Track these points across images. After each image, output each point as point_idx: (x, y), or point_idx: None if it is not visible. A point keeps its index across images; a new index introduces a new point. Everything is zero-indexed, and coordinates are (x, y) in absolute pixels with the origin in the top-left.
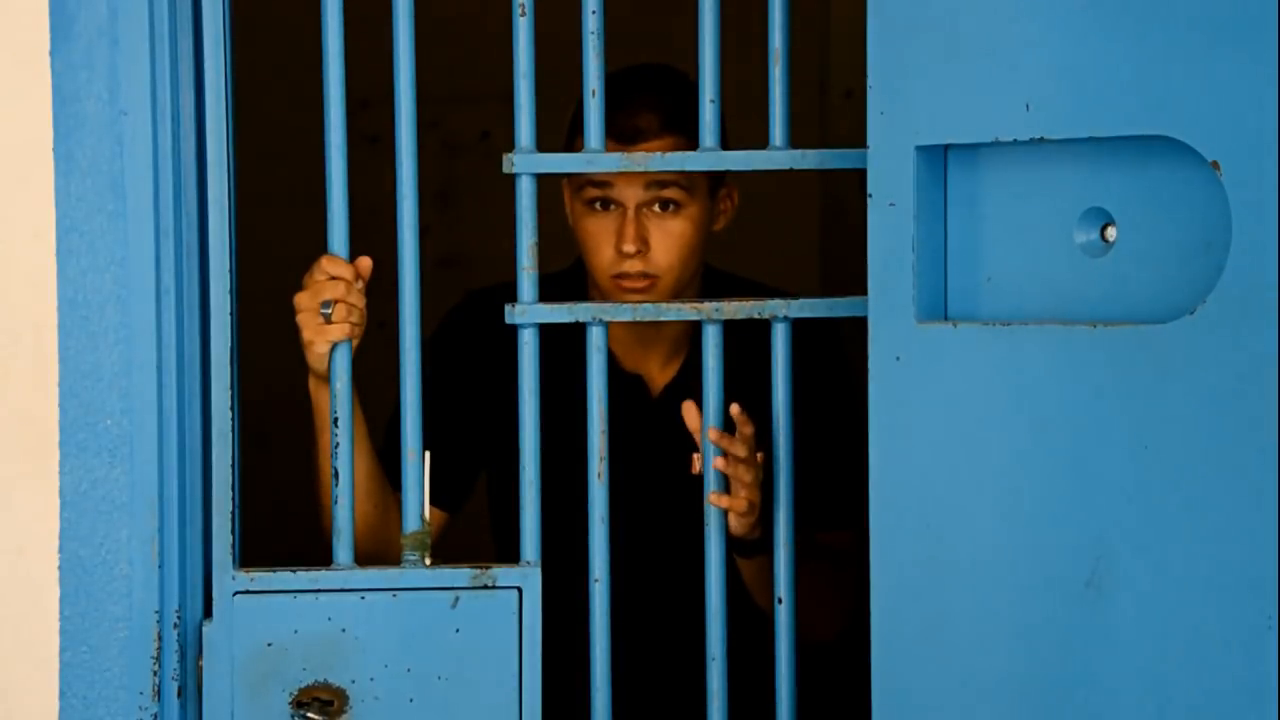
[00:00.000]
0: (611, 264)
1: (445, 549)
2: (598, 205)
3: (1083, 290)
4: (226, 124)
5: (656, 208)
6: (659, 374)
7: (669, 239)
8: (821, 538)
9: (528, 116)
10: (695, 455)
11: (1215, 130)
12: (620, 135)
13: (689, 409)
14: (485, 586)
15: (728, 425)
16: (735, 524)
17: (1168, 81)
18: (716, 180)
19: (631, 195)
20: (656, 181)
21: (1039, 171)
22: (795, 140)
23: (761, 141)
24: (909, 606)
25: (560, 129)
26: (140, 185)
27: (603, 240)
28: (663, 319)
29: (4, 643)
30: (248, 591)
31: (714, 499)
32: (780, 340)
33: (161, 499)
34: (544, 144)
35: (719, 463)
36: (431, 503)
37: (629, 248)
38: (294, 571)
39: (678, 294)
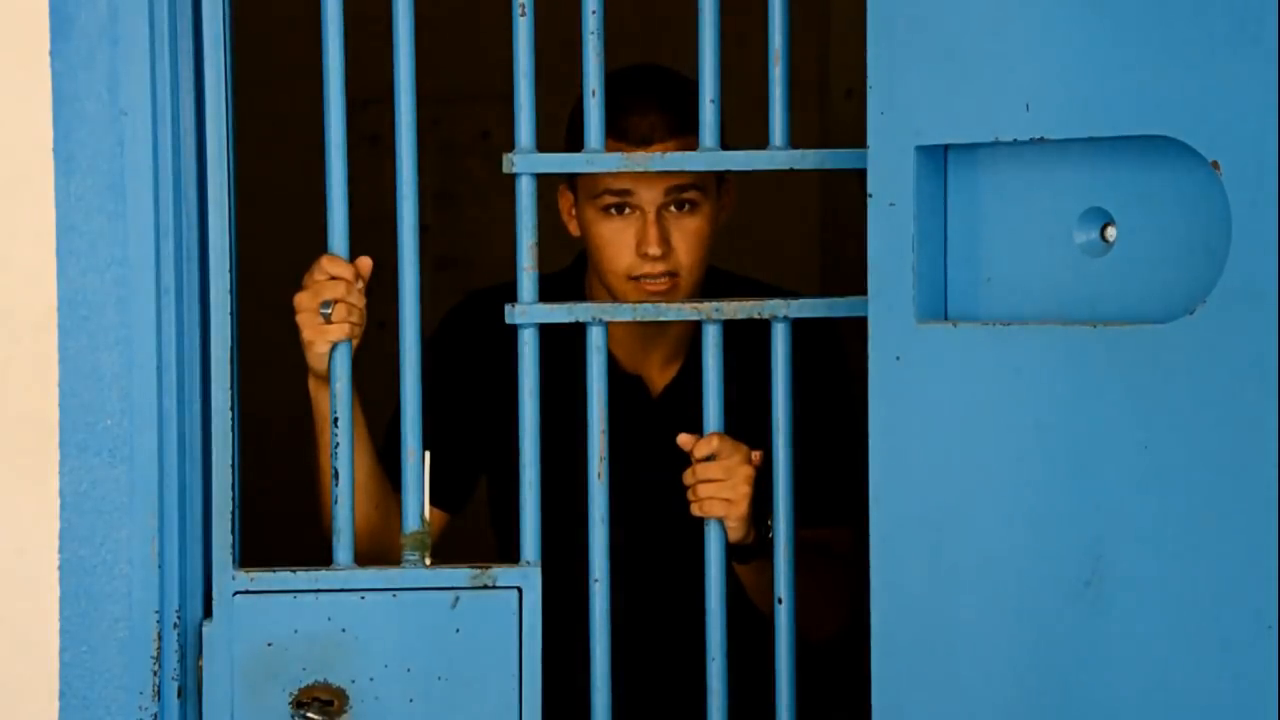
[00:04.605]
0: (632, 266)
1: (446, 549)
2: (613, 210)
3: (1083, 290)
4: (226, 124)
5: (673, 208)
6: (659, 375)
7: (689, 238)
8: (820, 535)
9: (528, 116)
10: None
11: (1215, 130)
12: (632, 138)
13: (684, 438)
14: (485, 586)
15: (728, 427)
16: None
17: (1168, 81)
18: (719, 177)
19: (651, 198)
20: (676, 184)
21: (1039, 171)
22: (795, 140)
23: (761, 141)
24: (909, 606)
25: (560, 128)
26: (140, 185)
27: (622, 244)
28: (663, 319)
29: (4, 643)
30: (248, 591)
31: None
32: (780, 340)
33: (161, 499)
34: (544, 144)
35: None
36: (432, 503)
37: (654, 250)
38: (294, 571)
39: (691, 293)
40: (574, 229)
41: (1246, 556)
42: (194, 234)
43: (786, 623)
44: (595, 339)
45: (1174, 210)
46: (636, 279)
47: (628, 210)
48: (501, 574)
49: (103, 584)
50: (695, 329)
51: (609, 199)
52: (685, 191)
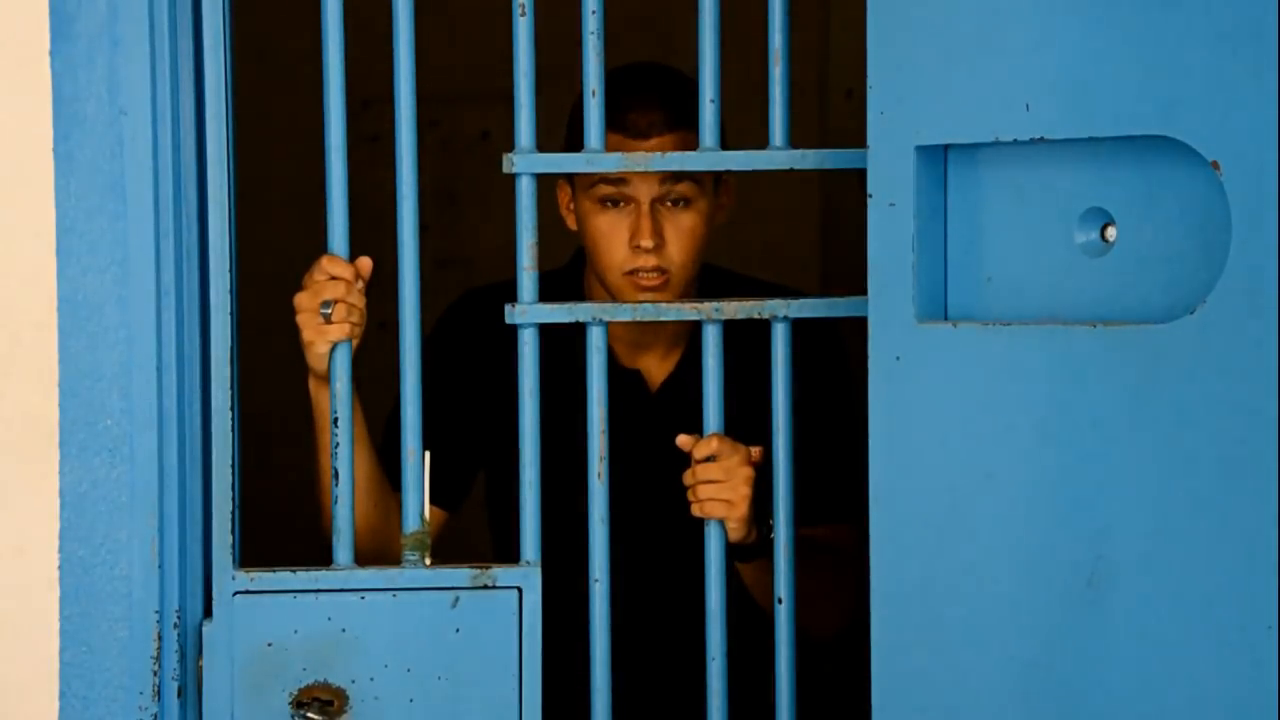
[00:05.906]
0: (625, 261)
1: (445, 549)
2: (608, 203)
3: (1083, 290)
4: (226, 124)
5: (668, 203)
6: (657, 369)
7: (682, 234)
8: (821, 532)
9: (528, 116)
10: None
11: (1215, 130)
12: (631, 131)
13: (684, 439)
14: (485, 586)
15: (727, 426)
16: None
17: (1168, 81)
18: (718, 176)
19: (646, 191)
20: (671, 177)
21: (1039, 171)
22: (795, 140)
23: (761, 141)
24: (909, 606)
25: (560, 128)
26: (140, 185)
27: (616, 238)
28: (663, 319)
29: (4, 643)
30: (248, 591)
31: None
32: (780, 340)
33: (161, 499)
34: (544, 144)
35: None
36: (431, 502)
37: (647, 242)
38: (294, 571)
39: (685, 290)
40: (572, 223)
41: (1247, 556)
42: (194, 234)
43: (786, 622)
44: (595, 339)
45: (1174, 210)
46: (631, 274)
47: (622, 204)
48: (501, 574)
49: (103, 584)
50: (693, 322)
51: (605, 190)
52: (680, 184)
